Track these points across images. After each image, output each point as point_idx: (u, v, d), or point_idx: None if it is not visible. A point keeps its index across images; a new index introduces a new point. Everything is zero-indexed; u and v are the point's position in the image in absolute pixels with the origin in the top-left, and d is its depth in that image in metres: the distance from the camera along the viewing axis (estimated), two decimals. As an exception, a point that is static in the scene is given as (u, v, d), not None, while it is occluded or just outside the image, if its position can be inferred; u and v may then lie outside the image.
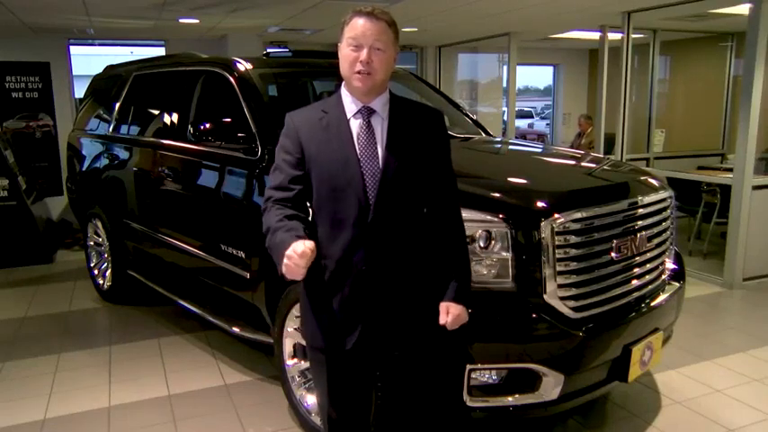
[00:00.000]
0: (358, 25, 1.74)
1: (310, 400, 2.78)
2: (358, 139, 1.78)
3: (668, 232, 2.87)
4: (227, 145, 3.14)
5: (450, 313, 1.83)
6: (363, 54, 1.73)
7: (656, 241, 2.74)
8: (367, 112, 1.81)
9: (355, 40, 1.74)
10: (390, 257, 1.79)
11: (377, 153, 1.78)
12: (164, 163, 3.79)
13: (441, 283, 1.86)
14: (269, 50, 4.24)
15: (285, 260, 1.60)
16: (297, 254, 1.58)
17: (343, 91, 1.85)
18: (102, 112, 4.93)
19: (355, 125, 1.80)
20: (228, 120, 3.14)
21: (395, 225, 1.78)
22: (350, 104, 1.82)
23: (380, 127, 1.81)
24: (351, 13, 1.78)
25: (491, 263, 2.31)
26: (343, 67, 1.78)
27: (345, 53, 1.76)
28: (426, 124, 1.87)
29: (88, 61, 9.76)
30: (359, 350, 1.82)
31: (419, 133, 1.84)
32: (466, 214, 2.22)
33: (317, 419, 2.70)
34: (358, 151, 1.77)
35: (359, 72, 1.74)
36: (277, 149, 1.89)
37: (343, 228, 1.76)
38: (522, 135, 13.32)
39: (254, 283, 3.03)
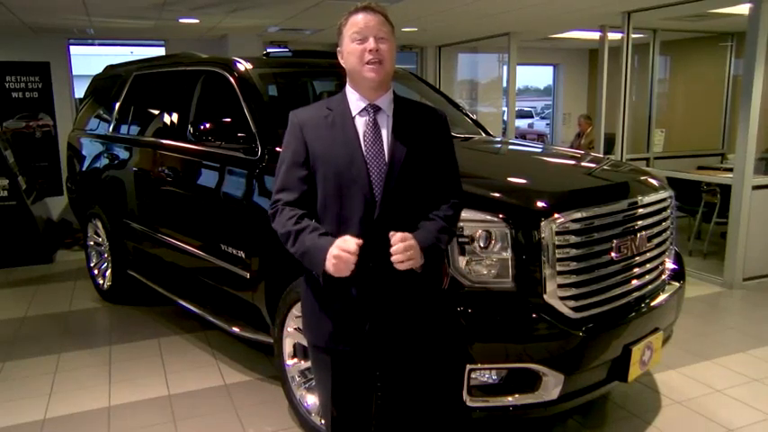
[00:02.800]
0: (359, 19, 1.77)
1: (310, 400, 2.78)
2: (364, 136, 1.79)
3: (668, 232, 2.87)
4: (228, 145, 3.14)
5: (404, 238, 1.68)
6: (371, 43, 1.74)
7: (655, 241, 2.74)
8: (373, 110, 1.81)
9: (359, 33, 1.76)
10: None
11: (383, 150, 1.78)
12: (164, 163, 3.79)
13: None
14: (269, 50, 4.24)
15: (333, 260, 1.67)
16: (350, 251, 1.65)
17: (349, 89, 1.86)
18: (102, 112, 4.93)
19: (361, 122, 1.81)
20: (228, 120, 3.14)
21: (401, 222, 1.78)
22: (355, 102, 1.83)
23: (386, 124, 1.82)
24: (346, 13, 1.81)
25: (491, 263, 2.31)
26: (352, 62, 1.78)
27: (352, 48, 1.77)
28: (430, 124, 1.88)
29: (88, 61, 9.75)
30: (365, 349, 1.82)
31: (423, 132, 1.85)
32: (466, 214, 2.23)
33: (317, 419, 2.70)
34: (364, 148, 1.77)
35: (370, 62, 1.75)
36: (282, 148, 1.89)
37: (349, 225, 1.76)
38: (522, 135, 13.32)
39: (254, 282, 3.03)
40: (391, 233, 1.70)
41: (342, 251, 1.66)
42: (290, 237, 1.77)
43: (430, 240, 1.77)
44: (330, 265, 1.67)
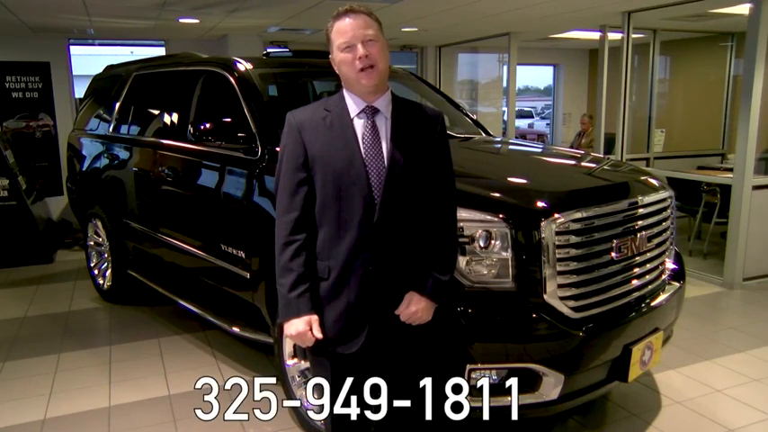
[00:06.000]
0: (343, 27, 1.76)
1: (310, 399, 2.77)
2: (363, 138, 1.78)
3: (668, 232, 2.87)
4: (228, 145, 3.14)
5: (410, 305, 1.81)
6: (360, 50, 1.73)
7: (656, 241, 2.74)
8: (371, 112, 1.80)
9: (347, 42, 1.75)
10: (396, 257, 1.79)
11: (382, 152, 1.78)
12: (164, 163, 3.79)
13: (421, 275, 1.84)
14: (269, 50, 4.24)
15: (293, 332, 1.79)
16: (300, 334, 1.78)
17: (346, 91, 1.85)
18: (102, 112, 4.93)
19: (359, 124, 1.80)
20: (228, 120, 3.14)
21: (400, 224, 1.78)
22: (353, 104, 1.82)
23: (384, 126, 1.81)
24: (330, 20, 1.81)
25: (491, 263, 2.31)
26: (345, 71, 1.79)
27: (342, 57, 1.77)
28: (428, 125, 1.87)
29: (88, 61, 9.75)
30: (364, 352, 1.82)
31: (421, 133, 1.84)
32: (466, 214, 2.24)
33: (317, 419, 2.70)
34: (363, 151, 1.77)
35: (362, 69, 1.74)
36: (280, 150, 1.88)
37: (348, 228, 1.76)
38: (522, 135, 13.32)
39: (255, 282, 3.03)
40: (402, 304, 1.81)
41: (296, 333, 1.79)
42: (280, 263, 1.82)
43: (434, 289, 1.84)
44: (288, 331, 1.80)
